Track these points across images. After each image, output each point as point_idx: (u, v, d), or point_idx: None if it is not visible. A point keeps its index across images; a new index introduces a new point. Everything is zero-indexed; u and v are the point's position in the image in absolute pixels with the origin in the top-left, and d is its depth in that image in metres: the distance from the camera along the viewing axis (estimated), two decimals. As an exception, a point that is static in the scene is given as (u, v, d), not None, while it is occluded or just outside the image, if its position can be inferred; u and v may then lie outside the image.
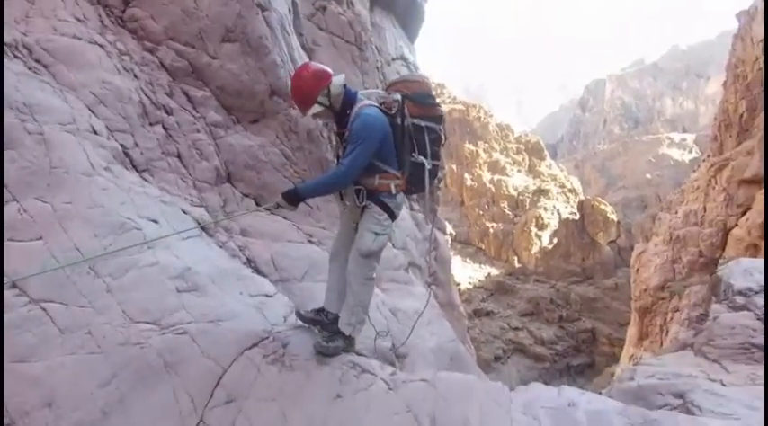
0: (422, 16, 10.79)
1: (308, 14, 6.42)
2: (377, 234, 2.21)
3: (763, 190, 10.51)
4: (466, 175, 33.32)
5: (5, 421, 1.64)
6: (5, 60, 2.51)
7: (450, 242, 31.90)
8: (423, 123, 2.20)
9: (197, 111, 3.67)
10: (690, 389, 3.47)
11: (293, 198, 2.17)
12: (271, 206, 2.34)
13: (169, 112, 3.44)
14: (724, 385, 3.26)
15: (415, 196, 9.47)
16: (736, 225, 11.18)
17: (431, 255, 9.22)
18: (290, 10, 4.80)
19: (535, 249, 30.37)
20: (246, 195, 3.99)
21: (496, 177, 33.44)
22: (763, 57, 6.55)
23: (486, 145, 34.80)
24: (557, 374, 25.41)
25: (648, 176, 40.09)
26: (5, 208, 2.11)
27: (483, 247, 32.41)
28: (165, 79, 3.54)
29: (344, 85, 2.21)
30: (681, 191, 15.25)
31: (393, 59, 9.60)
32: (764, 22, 6.66)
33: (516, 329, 26.28)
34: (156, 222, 2.68)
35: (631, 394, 4.07)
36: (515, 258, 31.03)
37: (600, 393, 4.88)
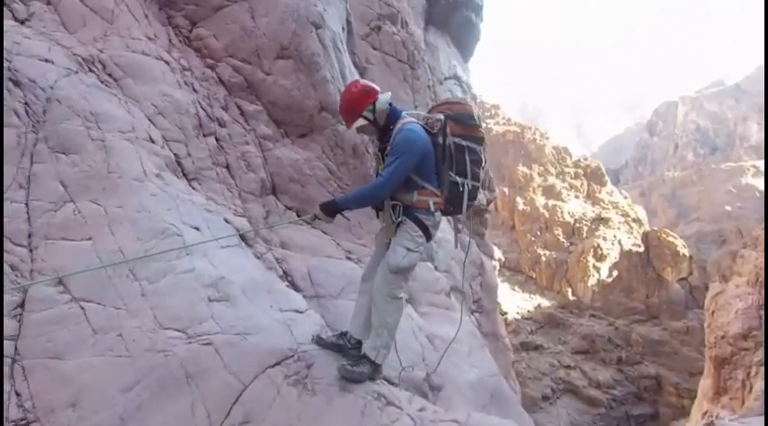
0: (477, 35, 10.70)
1: (362, 34, 6.57)
2: (409, 249, 2.17)
3: None
4: (518, 199, 32.03)
5: (30, 417, 1.66)
6: (81, 73, 2.74)
7: (498, 268, 30.59)
8: (464, 143, 2.25)
9: (248, 124, 3.81)
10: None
11: (331, 209, 2.20)
12: (308, 217, 2.37)
13: (222, 125, 3.58)
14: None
15: (461, 217, 9.20)
16: (844, 270, 9.53)
17: (476, 282, 8.81)
18: (343, 28, 4.92)
19: (592, 281, 28.14)
20: (290, 208, 4.03)
21: (551, 202, 31.78)
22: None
23: (542, 168, 33.34)
24: (613, 422, 22.93)
25: (728, 208, 35.93)
26: (63, 209, 2.24)
27: (534, 275, 30.65)
28: (221, 93, 3.72)
29: (390, 103, 2.28)
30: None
31: (446, 79, 9.55)
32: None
33: (568, 367, 24.24)
34: (197, 229, 2.73)
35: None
36: (569, 290, 28.94)
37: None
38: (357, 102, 2.19)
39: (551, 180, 32.90)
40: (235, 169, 3.52)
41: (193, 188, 3.10)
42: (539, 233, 31.22)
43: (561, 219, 31.16)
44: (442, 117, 2.24)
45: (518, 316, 27.26)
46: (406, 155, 2.07)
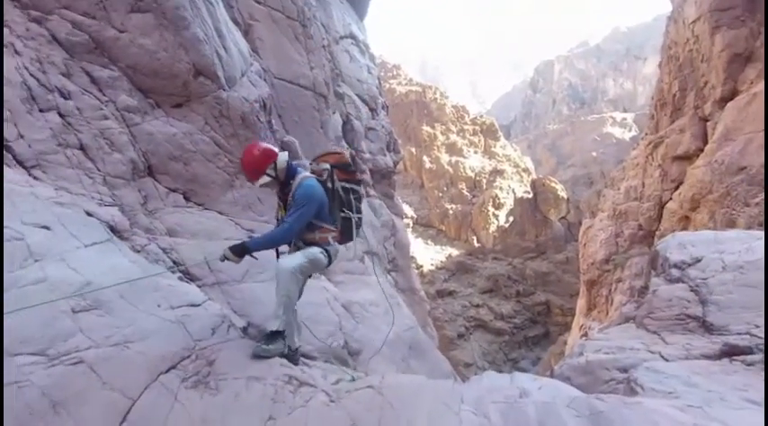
0: (370, -8, 10.32)
1: (242, -14, 5.83)
2: (308, 259, 2.50)
3: (693, 166, 11.27)
4: (425, 158, 33.46)
5: None
6: None
7: (411, 225, 32.13)
8: (348, 185, 2.74)
9: (104, 94, 3.16)
10: (633, 365, 3.58)
11: (240, 252, 2.38)
12: (216, 258, 2.45)
13: (66, 96, 2.91)
14: (665, 359, 3.37)
15: (370, 181, 9.25)
16: (671, 199, 11.96)
17: (389, 242, 9.09)
18: (214, -22, 4.26)
19: (492, 228, 31.34)
20: (174, 190, 3.56)
21: (454, 159, 33.87)
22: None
23: (444, 127, 35.00)
24: (515, 346, 26.76)
25: (594, 154, 42.33)
26: None
27: (443, 228, 32.99)
28: (59, 56, 2.99)
29: (287, 161, 2.58)
30: (622, 168, 16.13)
31: (341, 38, 9.12)
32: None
33: (477, 306, 27.23)
34: (47, 228, 2.25)
35: (581, 369, 4.18)
36: (474, 238, 31.89)
37: (552, 370, 5.01)
38: (260, 163, 2.47)
39: (453, 138, 34.84)
40: (93, 150, 2.93)
41: (35, 177, 2.51)
42: (445, 189, 33.31)
43: (464, 174, 33.55)
44: (328, 166, 2.67)
45: (432, 267, 29.38)
46: (307, 206, 2.43)
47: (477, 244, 31.67)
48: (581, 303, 14.95)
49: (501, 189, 32.67)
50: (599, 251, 13.47)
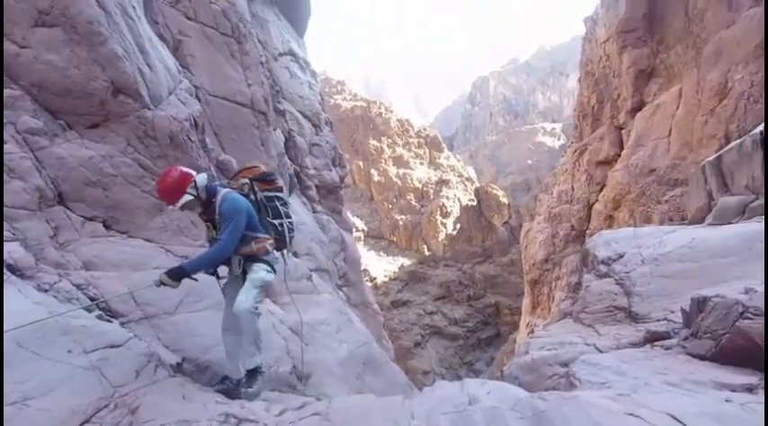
0: (308, 9, 10.35)
1: (170, 0, 5.56)
2: (267, 271, 2.58)
3: (613, 169, 12.45)
4: (373, 171, 33.79)
5: None
6: None
7: (363, 237, 32.12)
8: (270, 194, 2.79)
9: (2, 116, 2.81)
10: (572, 359, 3.79)
11: (178, 275, 2.31)
12: (152, 284, 2.32)
13: (-49, 119, 2.55)
14: (599, 350, 3.61)
15: (317, 197, 9.13)
16: (597, 200, 13.11)
17: (339, 257, 8.98)
18: (134, -9, 4.03)
19: (442, 236, 32.25)
20: (91, 218, 3.23)
21: (402, 171, 34.57)
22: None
23: (390, 140, 35.70)
24: (470, 349, 27.48)
25: (530, 162, 45.46)
26: None
27: (395, 239, 33.34)
28: (-58, 74, 2.62)
29: (206, 180, 2.56)
30: (554, 174, 17.46)
31: (280, 54, 9.01)
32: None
33: (432, 313, 27.68)
34: (-76, 273, 1.92)
35: (527, 367, 4.36)
36: (425, 246, 32.57)
37: (502, 370, 5.17)
38: (179, 182, 2.41)
39: (399, 150, 35.61)
40: (-13, 179, 2.58)
41: None
42: (394, 200, 33.80)
43: (412, 185, 34.32)
44: (247, 180, 2.71)
45: (386, 279, 29.47)
46: (236, 218, 2.42)
47: (427, 253, 32.34)
48: (526, 302, 15.75)
49: (447, 198, 33.82)
50: (538, 251, 14.34)
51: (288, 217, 2.86)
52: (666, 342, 3.02)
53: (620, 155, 12.59)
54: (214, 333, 3.07)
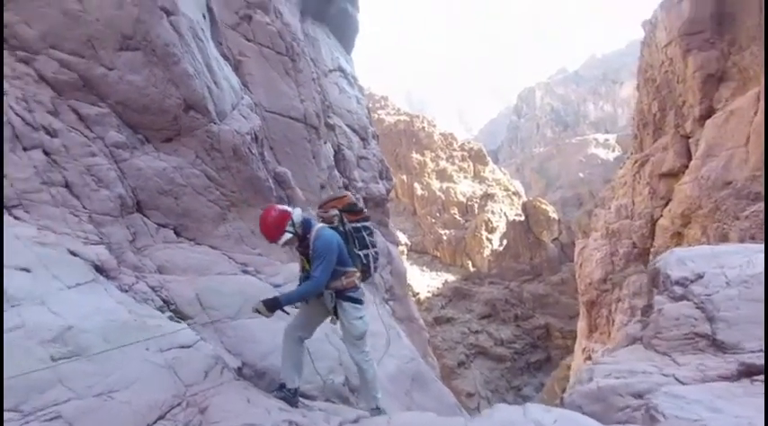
0: (356, 26, 10.69)
1: (231, 24, 5.97)
2: (361, 318, 2.71)
3: (680, 182, 11.48)
4: (416, 185, 33.75)
5: None
6: None
7: (405, 252, 31.93)
8: (358, 225, 2.83)
9: (92, 131, 3.11)
10: (648, 390, 3.42)
11: (273, 306, 2.46)
12: (250, 310, 2.50)
13: (52, 134, 2.85)
14: (680, 381, 3.23)
15: (365, 210, 9.22)
16: (662, 215, 12.10)
17: (385, 270, 8.94)
18: (204, 16, 4.36)
19: (487, 252, 31.25)
20: (164, 225, 3.45)
21: (445, 185, 34.23)
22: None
23: (433, 154, 35.59)
24: (517, 372, 26.03)
25: (581, 175, 43.22)
26: None
27: (438, 254, 32.80)
28: (46, 95, 2.95)
29: (302, 215, 2.70)
30: (611, 188, 16.42)
31: (330, 71, 9.34)
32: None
33: (476, 332, 26.66)
34: (27, 271, 2.12)
35: (592, 396, 3.98)
36: (469, 262, 31.70)
37: (562, 398, 4.78)
38: (279, 222, 2.56)
39: (443, 164, 35.36)
40: (78, 187, 2.84)
41: (17, 218, 2.40)
42: (438, 214, 33.42)
43: (455, 200, 33.80)
44: (336, 212, 2.78)
45: (429, 294, 28.93)
46: (328, 256, 2.53)
47: (472, 269, 31.43)
48: (582, 325, 14.72)
49: (493, 212, 32.88)
50: (595, 270, 13.42)
51: (373, 246, 2.91)
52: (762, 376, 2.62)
53: (687, 167, 11.58)
54: (271, 341, 3.11)
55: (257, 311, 2.41)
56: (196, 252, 3.49)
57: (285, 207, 2.68)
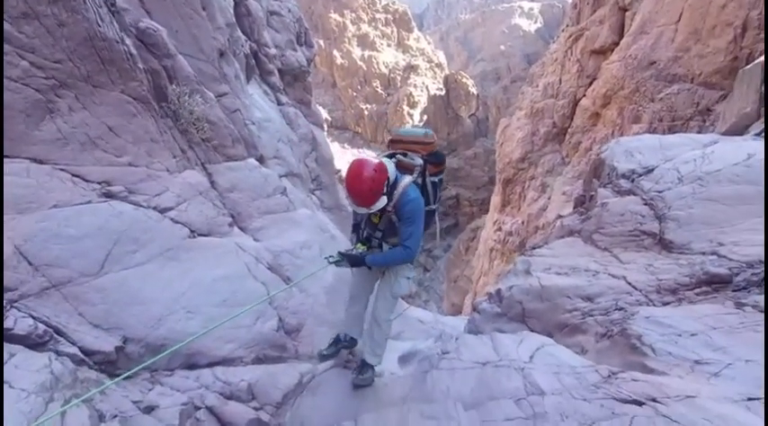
0: None
1: None
2: (409, 278, 2.50)
3: (608, 60, 11.33)
4: (335, 52, 29.91)
5: None
6: None
7: (326, 128, 30.05)
8: (436, 179, 2.50)
9: None
10: (597, 293, 3.34)
11: (357, 262, 2.30)
12: (334, 260, 2.34)
13: None
14: (633, 287, 3.14)
15: (281, 85, 7.47)
16: (584, 95, 12.21)
17: (310, 158, 7.88)
18: None
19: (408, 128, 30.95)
20: None
21: (367, 53, 30.91)
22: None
23: (354, 15, 30.90)
24: (429, 236, 29.02)
25: (502, 47, 42.19)
26: None
27: (360, 130, 31.61)
28: None
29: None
30: (542, 64, 15.96)
31: None
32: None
33: (395, 206, 28.11)
34: None
35: (534, 294, 3.91)
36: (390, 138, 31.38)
37: (500, 290, 4.77)
38: (379, 186, 2.11)
39: (365, 28, 31.29)
40: None
41: None
42: (359, 87, 30.98)
43: (378, 71, 31.23)
44: (421, 162, 2.38)
45: (350, 173, 28.75)
46: (419, 221, 2.25)
47: (394, 146, 31.35)
48: (495, 200, 15.85)
49: (415, 86, 31.51)
50: (515, 150, 13.82)
51: (439, 200, 2.60)
52: (740, 294, 2.50)
53: (618, 44, 11.33)
54: (165, 295, 2.17)
55: (332, 261, 2.26)
56: (7, 174, 2.09)
57: (376, 160, 2.17)
